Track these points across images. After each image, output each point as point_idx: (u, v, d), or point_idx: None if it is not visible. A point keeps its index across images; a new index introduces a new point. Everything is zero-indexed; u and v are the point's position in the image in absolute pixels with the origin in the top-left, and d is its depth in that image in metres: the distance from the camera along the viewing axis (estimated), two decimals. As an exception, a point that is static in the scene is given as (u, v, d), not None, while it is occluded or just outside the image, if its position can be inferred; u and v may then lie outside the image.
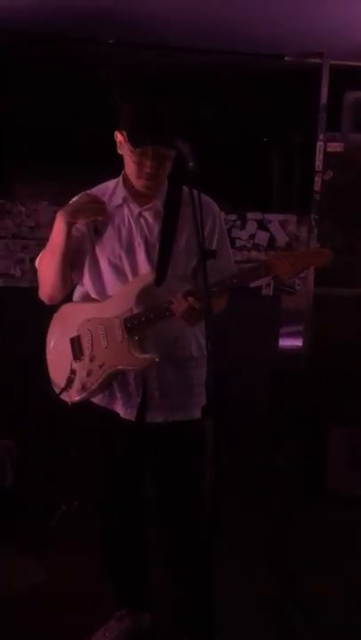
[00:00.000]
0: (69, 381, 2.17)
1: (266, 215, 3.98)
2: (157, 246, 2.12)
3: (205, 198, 2.12)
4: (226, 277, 2.07)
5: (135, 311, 2.09)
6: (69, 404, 2.21)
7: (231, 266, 2.22)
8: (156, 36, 3.73)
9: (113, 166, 3.92)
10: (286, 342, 4.02)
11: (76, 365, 2.17)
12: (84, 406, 2.21)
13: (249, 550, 2.98)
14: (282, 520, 3.27)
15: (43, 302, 2.29)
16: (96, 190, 2.21)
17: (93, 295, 2.20)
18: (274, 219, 4.00)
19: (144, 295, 2.09)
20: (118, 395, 2.19)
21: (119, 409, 2.20)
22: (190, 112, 3.61)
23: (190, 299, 2.01)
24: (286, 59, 3.84)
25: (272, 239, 4.00)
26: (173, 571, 2.32)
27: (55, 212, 2.17)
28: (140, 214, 2.15)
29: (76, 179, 4.04)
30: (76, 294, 2.28)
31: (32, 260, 2.31)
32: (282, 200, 4.27)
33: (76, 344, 2.18)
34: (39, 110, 3.85)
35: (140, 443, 2.22)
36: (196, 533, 2.04)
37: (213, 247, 2.14)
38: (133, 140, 2.05)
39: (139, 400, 2.16)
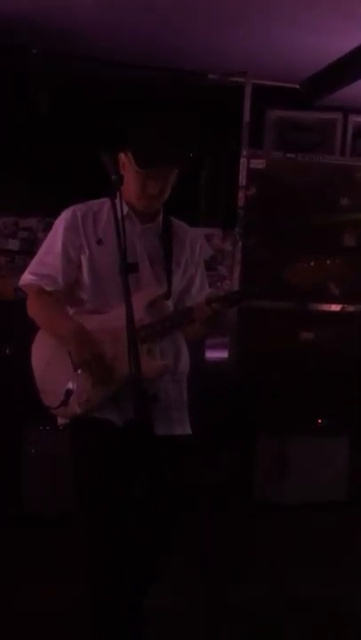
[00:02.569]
0: (68, 395, 2.12)
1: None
2: (161, 263, 2.20)
3: (187, 225, 2.32)
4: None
5: (145, 321, 2.10)
6: (65, 420, 2.16)
7: (208, 291, 2.33)
8: (84, 47, 3.73)
9: (41, 179, 3.90)
10: (212, 354, 4.07)
11: (77, 378, 2.12)
12: (85, 420, 2.15)
13: (178, 560, 2.98)
14: (212, 530, 3.30)
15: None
16: (92, 204, 2.22)
17: (91, 305, 2.19)
18: (200, 233, 4.06)
19: (153, 307, 2.14)
20: (124, 406, 2.11)
21: (118, 419, 2.13)
22: (114, 126, 3.63)
23: (215, 304, 2.10)
24: (210, 76, 3.92)
25: (198, 252, 4.06)
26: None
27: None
28: (142, 231, 2.20)
29: (2, 190, 4.01)
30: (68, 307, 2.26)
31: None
32: (207, 214, 4.34)
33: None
34: None
35: (136, 454, 2.06)
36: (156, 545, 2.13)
37: (198, 273, 2.30)
38: (140, 162, 2.09)
39: (144, 411, 2.01)
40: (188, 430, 2.26)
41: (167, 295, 2.19)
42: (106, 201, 2.21)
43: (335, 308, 3.99)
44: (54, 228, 2.25)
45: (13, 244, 3.95)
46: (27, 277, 2.27)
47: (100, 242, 2.17)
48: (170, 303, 2.23)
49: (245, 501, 3.65)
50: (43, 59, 3.65)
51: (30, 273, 2.26)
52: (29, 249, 3.95)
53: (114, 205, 1.96)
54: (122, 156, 2.14)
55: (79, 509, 2.19)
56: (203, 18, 3.38)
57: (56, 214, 2.24)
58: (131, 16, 3.36)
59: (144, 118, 2.18)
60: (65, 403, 2.14)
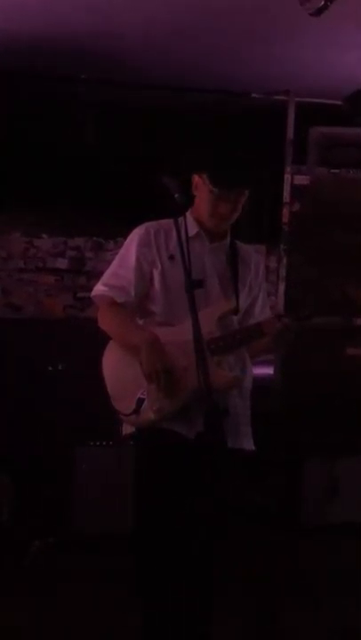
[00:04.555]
0: (140, 404, 2.17)
1: (236, 245, 4.04)
2: (229, 280, 2.26)
3: (251, 248, 2.39)
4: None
5: (216, 334, 2.17)
6: (135, 427, 2.21)
7: (269, 313, 2.37)
8: (128, 73, 3.82)
9: (89, 200, 3.99)
10: (257, 371, 4.06)
11: (149, 387, 2.17)
12: (153, 431, 2.19)
13: (227, 585, 2.95)
14: (258, 553, 3.26)
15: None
16: (163, 222, 2.27)
17: (162, 318, 2.25)
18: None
19: (223, 320, 2.21)
20: (194, 418, 2.15)
21: (188, 431, 2.16)
22: (161, 147, 3.71)
23: (285, 320, 2.17)
24: (253, 96, 3.97)
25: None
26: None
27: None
28: (211, 249, 2.27)
29: (52, 211, 4.12)
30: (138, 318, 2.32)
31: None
32: (252, 231, 4.35)
33: None
34: (14, 144, 3.89)
35: (204, 467, 2.05)
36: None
37: (260, 294, 2.35)
38: (217, 183, 2.16)
39: (215, 424, 2.04)
40: (252, 445, 2.29)
41: (236, 310, 2.24)
42: (172, 220, 2.21)
43: (382, 323, 3.94)
44: (126, 243, 2.31)
45: (62, 264, 4.05)
46: (99, 289, 2.32)
47: (171, 257, 2.23)
48: (235, 320, 2.27)
49: (293, 524, 3.59)
50: (91, 85, 3.75)
51: (103, 284, 2.31)
52: (78, 268, 4.05)
53: (177, 223, 2.00)
54: (195, 177, 2.22)
55: (139, 521, 2.21)
56: (245, 40, 3.43)
57: (103, 234, 2.29)
58: (175, 42, 3.44)
59: (217, 142, 2.25)
60: (137, 411, 2.18)
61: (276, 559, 3.27)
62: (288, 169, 3.89)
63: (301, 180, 3.90)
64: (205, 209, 2.21)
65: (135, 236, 2.29)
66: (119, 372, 2.26)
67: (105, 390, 2.27)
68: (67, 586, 2.95)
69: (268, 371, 4.04)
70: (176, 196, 1.99)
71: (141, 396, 2.17)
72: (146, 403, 2.17)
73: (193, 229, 2.23)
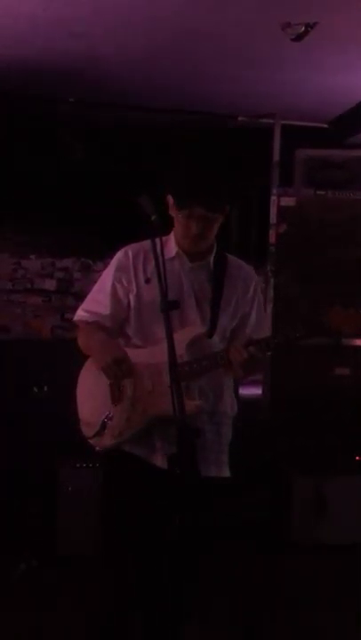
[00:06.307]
0: (103, 426, 2.16)
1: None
2: (209, 301, 2.21)
3: (244, 263, 2.32)
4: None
5: (185, 359, 2.12)
6: (99, 449, 2.20)
7: (267, 330, 2.31)
8: (115, 95, 3.87)
9: (77, 221, 4.01)
10: (246, 391, 4.06)
11: (114, 410, 2.16)
12: (116, 454, 2.19)
13: (212, 602, 2.93)
14: (247, 573, 3.23)
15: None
16: (145, 243, 2.23)
17: (136, 341, 2.23)
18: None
19: (195, 344, 2.16)
20: (156, 444, 2.15)
21: (156, 458, 2.15)
22: (148, 168, 3.74)
23: (251, 348, 2.09)
24: (240, 119, 4.02)
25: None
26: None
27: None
28: (191, 270, 2.23)
29: (40, 232, 4.13)
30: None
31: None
32: (239, 252, 4.38)
33: (116, 388, 2.18)
34: (1, 165, 3.91)
35: (170, 494, 2.02)
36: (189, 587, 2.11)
37: (253, 311, 2.28)
38: (179, 203, 2.14)
39: (188, 450, 1.96)
40: (226, 473, 2.24)
41: (209, 334, 2.19)
42: (157, 241, 2.20)
43: (370, 343, 3.96)
44: (109, 266, 2.31)
45: (50, 284, 4.06)
46: (79, 313, 2.34)
47: (148, 280, 2.21)
48: (216, 342, 2.21)
49: (282, 543, 3.56)
50: (77, 107, 3.78)
51: (82, 309, 2.33)
52: (66, 289, 4.06)
53: (154, 244, 1.97)
54: (170, 197, 2.20)
55: (105, 544, 2.20)
56: (231, 62, 3.48)
57: (91, 255, 2.28)
58: (159, 63, 3.48)
59: (182, 161, 2.24)
60: (100, 433, 2.18)
61: (263, 576, 3.25)
62: (274, 191, 3.94)
63: (288, 201, 3.94)
64: (178, 230, 2.19)
65: (115, 260, 2.28)
66: (88, 394, 2.26)
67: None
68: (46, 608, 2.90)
69: (257, 391, 4.04)
70: (153, 217, 1.97)
71: (105, 419, 2.17)
72: (108, 426, 2.17)
73: (173, 250, 2.22)
